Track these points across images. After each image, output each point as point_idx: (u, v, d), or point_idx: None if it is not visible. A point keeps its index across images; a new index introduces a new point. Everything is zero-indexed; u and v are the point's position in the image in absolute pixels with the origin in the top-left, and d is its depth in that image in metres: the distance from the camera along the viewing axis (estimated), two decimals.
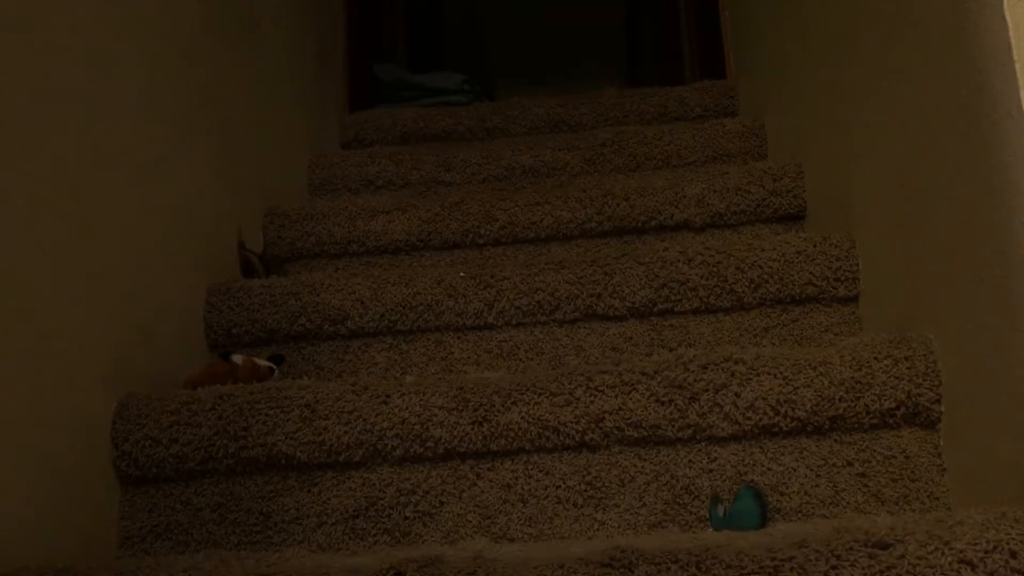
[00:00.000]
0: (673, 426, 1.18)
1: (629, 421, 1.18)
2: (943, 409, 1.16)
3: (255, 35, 1.94)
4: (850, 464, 1.17)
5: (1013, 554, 0.80)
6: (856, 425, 1.18)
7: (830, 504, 1.15)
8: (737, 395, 1.18)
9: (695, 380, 1.19)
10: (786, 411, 1.17)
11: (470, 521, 1.17)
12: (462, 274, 1.54)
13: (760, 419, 1.17)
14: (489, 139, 2.37)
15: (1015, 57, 0.91)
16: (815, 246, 1.50)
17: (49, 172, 1.10)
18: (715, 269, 1.50)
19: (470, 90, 2.83)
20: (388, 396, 1.21)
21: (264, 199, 1.92)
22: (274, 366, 1.46)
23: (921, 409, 1.16)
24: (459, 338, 1.54)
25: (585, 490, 1.18)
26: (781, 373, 1.18)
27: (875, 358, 1.18)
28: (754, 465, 1.18)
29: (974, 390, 1.08)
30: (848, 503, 1.15)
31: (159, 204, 1.41)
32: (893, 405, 1.16)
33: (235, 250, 1.74)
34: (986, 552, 0.80)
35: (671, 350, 1.41)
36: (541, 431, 1.18)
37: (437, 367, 1.52)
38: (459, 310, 1.53)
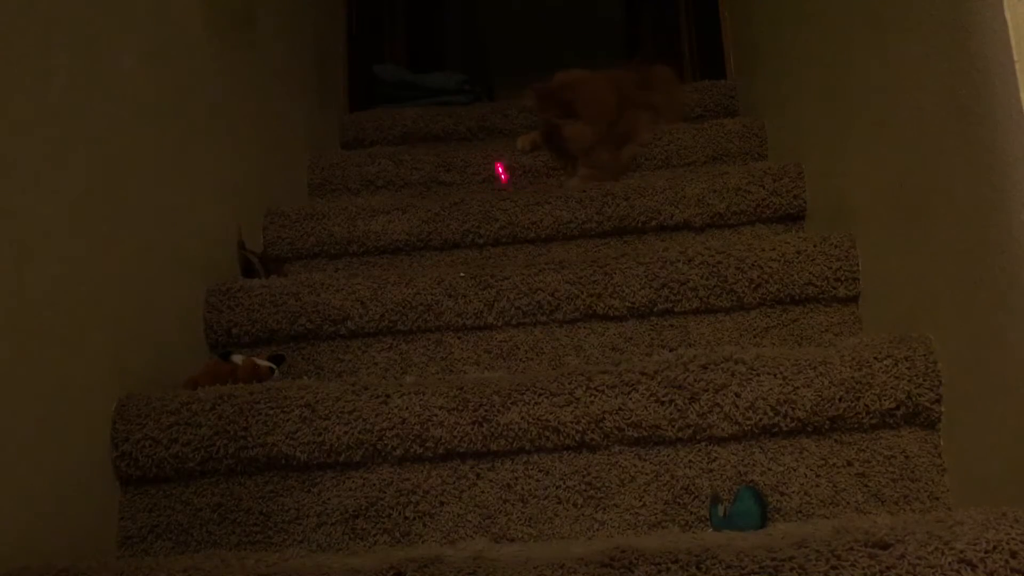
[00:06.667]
0: (673, 426, 1.18)
1: (629, 421, 1.18)
2: (943, 409, 1.16)
3: (255, 35, 1.94)
4: (850, 464, 1.17)
5: (1013, 554, 0.80)
6: (856, 425, 1.18)
7: (830, 504, 1.15)
8: (737, 395, 1.18)
9: (695, 380, 1.19)
10: (786, 411, 1.17)
11: (470, 521, 1.17)
12: (462, 274, 1.54)
13: (760, 419, 1.17)
14: (489, 139, 2.37)
15: (1015, 57, 0.91)
16: (815, 246, 1.50)
17: (48, 173, 1.10)
18: (715, 269, 1.50)
19: (470, 90, 2.83)
20: (388, 396, 1.21)
21: (264, 199, 1.92)
22: (274, 366, 1.46)
23: (921, 409, 1.16)
24: (459, 338, 1.54)
25: (585, 490, 1.18)
26: (781, 373, 1.18)
27: (875, 358, 1.18)
28: (754, 465, 1.18)
29: (974, 390, 1.08)
30: (848, 503, 1.15)
31: (159, 204, 1.41)
32: (893, 405, 1.16)
33: (235, 250, 1.74)
34: (986, 552, 0.80)
35: (671, 350, 1.41)
36: (541, 431, 1.18)
37: (437, 367, 1.52)
38: (459, 310, 1.53)
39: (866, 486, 1.16)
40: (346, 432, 1.19)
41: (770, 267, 1.49)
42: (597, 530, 1.16)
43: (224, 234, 1.70)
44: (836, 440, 1.18)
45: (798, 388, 1.17)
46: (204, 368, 1.41)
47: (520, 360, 1.51)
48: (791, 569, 0.81)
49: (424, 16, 3.94)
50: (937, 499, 1.15)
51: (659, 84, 2.21)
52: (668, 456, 1.19)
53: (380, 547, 1.16)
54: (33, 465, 1.03)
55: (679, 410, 1.18)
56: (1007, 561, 0.80)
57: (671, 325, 1.51)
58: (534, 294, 1.52)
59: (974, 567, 0.80)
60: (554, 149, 1.98)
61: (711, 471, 1.18)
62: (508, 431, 1.18)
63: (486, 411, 1.19)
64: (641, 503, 1.17)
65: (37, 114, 1.08)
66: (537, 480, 1.19)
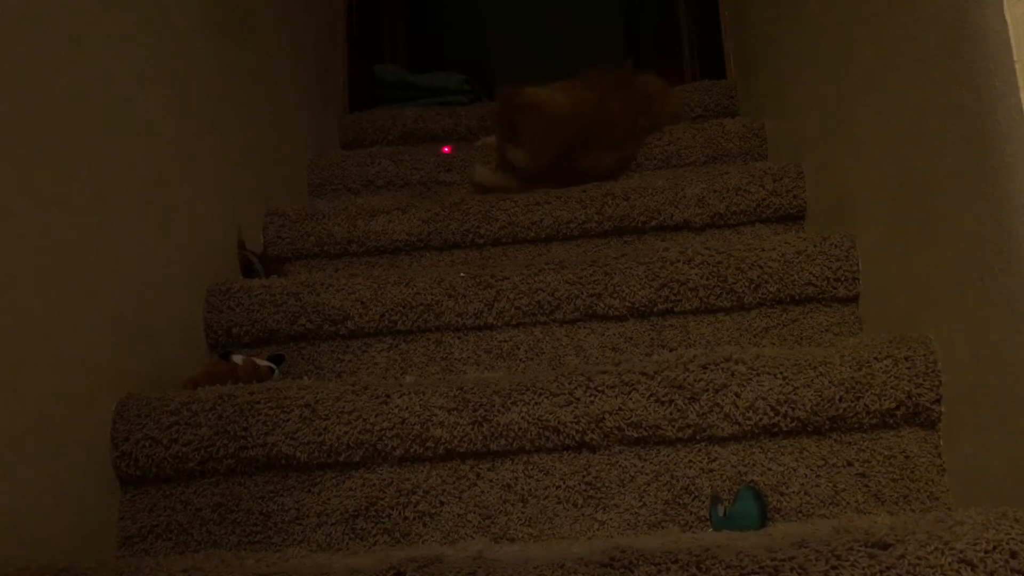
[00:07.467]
0: (673, 426, 1.18)
1: (629, 421, 1.18)
2: (943, 409, 1.16)
3: (255, 36, 1.94)
4: (850, 464, 1.17)
5: (1013, 554, 0.80)
6: (856, 425, 1.18)
7: (830, 504, 1.15)
8: (737, 395, 1.18)
9: (695, 380, 1.19)
10: (786, 411, 1.17)
11: (470, 521, 1.17)
12: (462, 274, 1.54)
13: (760, 419, 1.17)
14: None
15: (1015, 57, 0.91)
16: (815, 246, 1.50)
17: (49, 173, 1.10)
18: (715, 269, 1.50)
19: (470, 90, 2.83)
20: (388, 396, 1.21)
21: (264, 199, 1.92)
22: (274, 366, 1.46)
23: (921, 409, 1.16)
24: (459, 338, 1.54)
25: (585, 490, 1.18)
26: (781, 373, 1.18)
27: (875, 358, 1.18)
28: (754, 465, 1.18)
29: (974, 390, 1.08)
30: (848, 503, 1.15)
31: (159, 204, 1.41)
32: (893, 405, 1.16)
33: (235, 250, 1.74)
34: (986, 552, 0.80)
35: (671, 350, 1.41)
36: (541, 431, 1.18)
37: (437, 367, 1.52)
38: (459, 310, 1.53)
39: (866, 486, 1.16)
40: (346, 432, 1.19)
41: (770, 267, 1.49)
42: (597, 530, 1.16)
43: (224, 234, 1.70)
44: (836, 440, 1.18)
45: (798, 388, 1.17)
46: (204, 368, 1.41)
47: (520, 360, 1.51)
48: (791, 569, 0.81)
49: (424, 16, 3.94)
50: (937, 499, 1.15)
51: (649, 97, 2.12)
52: (668, 456, 1.19)
53: (380, 547, 1.16)
54: (33, 465, 1.03)
55: (679, 410, 1.18)
56: (1007, 561, 0.80)
57: (671, 325, 1.51)
58: (534, 294, 1.52)
59: (974, 567, 0.80)
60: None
61: (711, 471, 1.18)
62: (508, 431, 1.18)
63: (486, 411, 1.19)
64: (641, 503, 1.17)
65: (37, 117, 1.08)
66: (537, 480, 1.19)
